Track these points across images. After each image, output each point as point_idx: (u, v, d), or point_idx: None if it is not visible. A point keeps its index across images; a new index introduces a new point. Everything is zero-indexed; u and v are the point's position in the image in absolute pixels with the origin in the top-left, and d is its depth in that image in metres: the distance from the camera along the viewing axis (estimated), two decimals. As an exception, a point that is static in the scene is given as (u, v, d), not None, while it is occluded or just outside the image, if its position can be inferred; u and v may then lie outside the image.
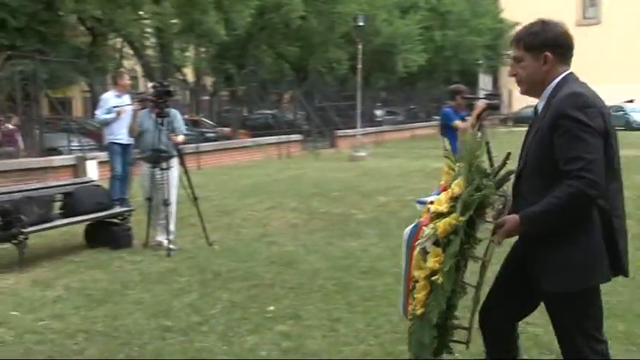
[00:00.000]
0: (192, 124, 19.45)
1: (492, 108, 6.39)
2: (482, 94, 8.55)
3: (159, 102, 7.07)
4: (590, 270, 2.56)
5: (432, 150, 18.19)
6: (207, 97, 28.22)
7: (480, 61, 36.24)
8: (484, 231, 2.86)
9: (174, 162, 7.18)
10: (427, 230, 2.83)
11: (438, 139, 6.34)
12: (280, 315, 4.75)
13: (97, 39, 20.76)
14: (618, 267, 2.62)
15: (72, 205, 7.24)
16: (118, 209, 7.72)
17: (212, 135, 20.34)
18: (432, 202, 2.92)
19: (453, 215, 2.74)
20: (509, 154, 2.90)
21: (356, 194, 11.06)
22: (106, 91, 10.09)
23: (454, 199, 2.79)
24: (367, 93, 26.13)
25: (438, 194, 2.94)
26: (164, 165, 7.01)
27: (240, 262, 6.28)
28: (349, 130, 22.82)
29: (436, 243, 2.79)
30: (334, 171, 15.09)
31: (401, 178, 13.49)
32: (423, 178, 12.95)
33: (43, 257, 6.70)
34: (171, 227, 7.03)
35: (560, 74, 2.66)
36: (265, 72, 25.77)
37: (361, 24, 20.23)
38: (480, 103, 6.28)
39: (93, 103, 20.96)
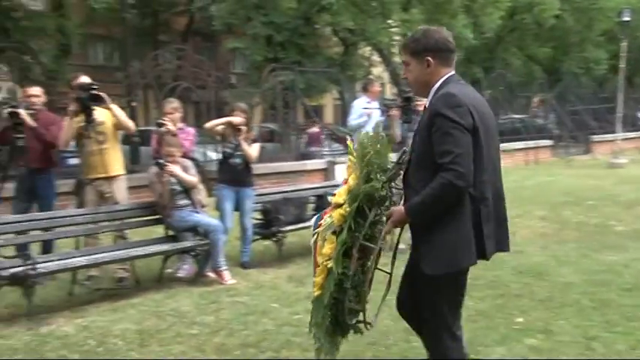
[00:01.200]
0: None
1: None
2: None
3: (404, 108, 7.24)
4: (459, 254, 2.79)
5: None
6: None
7: None
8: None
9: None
10: (327, 220, 3.10)
11: None
12: (529, 327, 4.55)
13: (348, 49, 21.82)
14: (482, 252, 2.84)
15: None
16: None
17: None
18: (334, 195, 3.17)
19: (344, 206, 3.01)
20: (404, 151, 3.07)
21: (614, 204, 10.18)
22: (355, 98, 10.52)
23: (349, 191, 3.05)
24: (630, 95, 23.93)
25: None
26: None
27: (485, 269, 6.11)
28: (607, 135, 21.10)
29: (335, 232, 3.04)
30: (589, 178, 14.04)
31: (668, 188, 12.12)
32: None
33: (298, 255, 7.16)
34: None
35: (442, 76, 2.94)
36: (514, 75, 24.92)
37: (627, 19, 18.52)
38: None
39: (343, 110, 22.09)
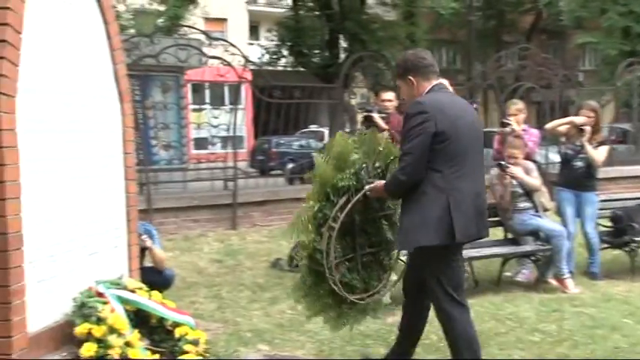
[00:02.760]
0: None
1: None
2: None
3: None
4: (419, 234, 3.31)
5: None
6: None
7: None
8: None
9: None
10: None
11: None
12: None
13: None
14: (451, 235, 3.28)
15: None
16: None
17: None
18: None
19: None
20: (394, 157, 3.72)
21: None
22: None
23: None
24: None
25: None
26: None
27: None
28: None
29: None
30: None
31: None
32: None
33: (654, 268, 6.47)
34: None
35: (426, 88, 3.50)
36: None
37: None
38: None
39: None
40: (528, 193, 6.23)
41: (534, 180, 6.24)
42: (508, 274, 6.45)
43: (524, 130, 6.69)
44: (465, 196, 3.33)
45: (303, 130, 13.49)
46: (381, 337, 4.72)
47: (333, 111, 12.54)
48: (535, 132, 6.93)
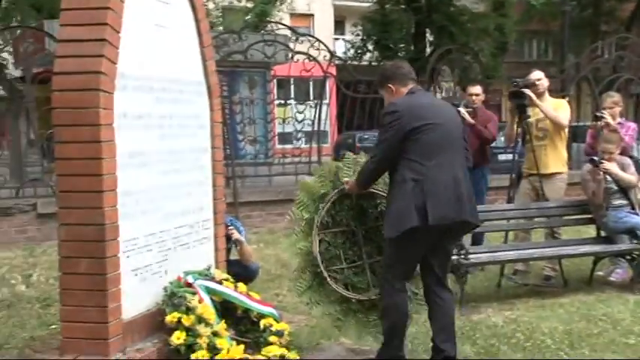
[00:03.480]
0: None
1: None
2: None
3: None
4: (402, 219, 3.60)
5: None
6: None
7: None
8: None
9: None
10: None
11: None
12: None
13: None
14: (425, 220, 3.54)
15: None
16: None
17: None
18: None
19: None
20: None
21: None
22: None
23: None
24: None
25: None
26: None
27: None
28: None
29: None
30: None
31: None
32: None
33: None
34: None
35: (403, 93, 3.91)
36: None
37: None
38: None
39: None
40: (624, 189, 6.00)
41: (630, 176, 6.00)
42: (600, 273, 6.24)
43: (619, 123, 6.43)
44: (439, 184, 3.60)
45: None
46: (465, 334, 4.69)
47: (419, 105, 12.40)
48: (632, 125, 6.65)
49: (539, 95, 6.14)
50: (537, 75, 6.27)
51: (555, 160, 6.23)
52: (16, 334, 4.74)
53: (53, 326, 4.77)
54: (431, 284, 3.85)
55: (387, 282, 3.79)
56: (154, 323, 3.65)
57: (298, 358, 3.78)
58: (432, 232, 3.62)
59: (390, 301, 3.78)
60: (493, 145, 7.37)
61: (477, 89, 7.05)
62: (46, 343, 4.38)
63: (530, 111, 6.15)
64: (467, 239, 6.73)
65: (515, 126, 6.26)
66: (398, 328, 3.83)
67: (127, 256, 3.49)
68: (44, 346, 4.26)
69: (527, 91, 6.02)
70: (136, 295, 3.56)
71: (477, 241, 6.70)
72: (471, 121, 6.66)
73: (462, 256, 5.46)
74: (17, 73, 10.55)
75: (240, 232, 5.02)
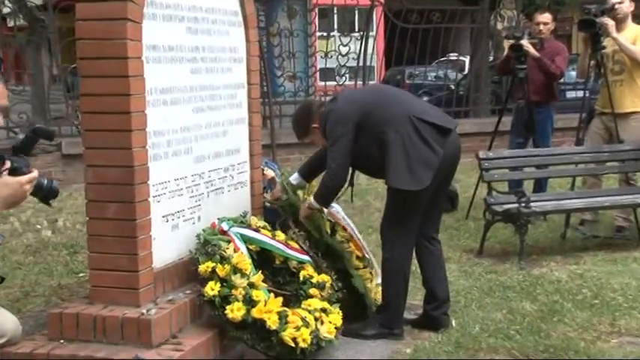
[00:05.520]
0: None
1: None
2: None
3: None
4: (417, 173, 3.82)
5: None
6: None
7: None
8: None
9: None
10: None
11: None
12: None
13: None
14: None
15: None
16: None
17: None
18: None
19: None
20: None
21: None
22: None
23: None
24: None
25: None
26: None
27: None
28: None
29: None
30: None
31: None
32: None
33: None
34: None
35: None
36: None
37: None
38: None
39: None
40: None
41: None
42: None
43: None
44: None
45: (440, 59, 13.15)
46: (525, 289, 4.68)
47: (477, 37, 12.16)
48: None
49: (620, 22, 5.92)
50: (543, 18, 6.11)
51: (633, 97, 6.03)
52: (43, 282, 4.89)
53: (81, 274, 4.92)
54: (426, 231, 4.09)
55: (400, 237, 3.94)
56: (187, 273, 3.71)
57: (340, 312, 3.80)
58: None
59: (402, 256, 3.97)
60: (561, 81, 7.17)
61: (545, 17, 6.81)
62: (74, 291, 4.53)
63: (605, 41, 5.94)
64: (529, 185, 6.67)
65: (587, 59, 6.07)
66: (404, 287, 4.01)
67: (158, 201, 3.52)
68: (72, 295, 4.41)
69: (603, 20, 5.81)
70: (167, 242, 3.61)
71: (540, 187, 6.61)
72: (536, 54, 6.47)
73: (523, 204, 5.39)
74: (38, 1, 10.56)
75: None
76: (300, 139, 4.37)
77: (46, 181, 3.00)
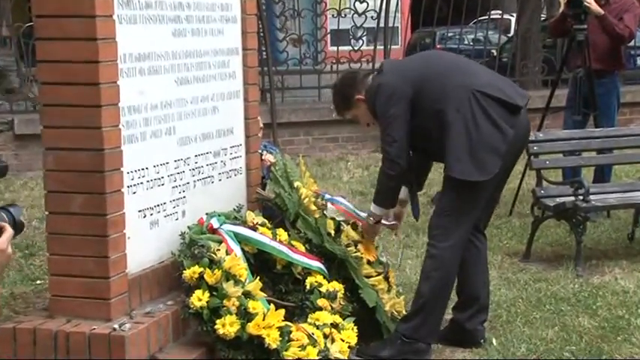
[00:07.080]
0: None
1: None
2: None
3: None
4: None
5: None
6: None
7: None
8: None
9: None
10: None
11: None
12: None
13: None
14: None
15: None
16: None
17: None
18: None
19: None
20: None
21: None
22: None
23: None
24: None
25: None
26: None
27: None
28: None
29: None
30: None
31: None
32: None
33: None
34: None
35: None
36: None
37: None
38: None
39: None
40: None
41: None
42: None
43: None
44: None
45: (480, 19, 13.09)
46: (582, 302, 4.68)
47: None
48: None
49: None
50: None
51: None
52: (-8, 291, 4.91)
53: (38, 281, 4.93)
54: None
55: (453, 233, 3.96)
56: (169, 280, 3.73)
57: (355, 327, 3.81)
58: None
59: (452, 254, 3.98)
60: (630, 44, 7.14)
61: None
62: (30, 302, 4.53)
63: None
64: (588, 173, 6.64)
65: None
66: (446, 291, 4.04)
67: (133, 192, 3.54)
68: (27, 306, 4.41)
69: None
70: (144, 242, 3.63)
71: (602, 176, 6.59)
72: (600, 11, 6.44)
73: (580, 197, 5.38)
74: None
75: None
76: (340, 114, 4.40)
77: None
